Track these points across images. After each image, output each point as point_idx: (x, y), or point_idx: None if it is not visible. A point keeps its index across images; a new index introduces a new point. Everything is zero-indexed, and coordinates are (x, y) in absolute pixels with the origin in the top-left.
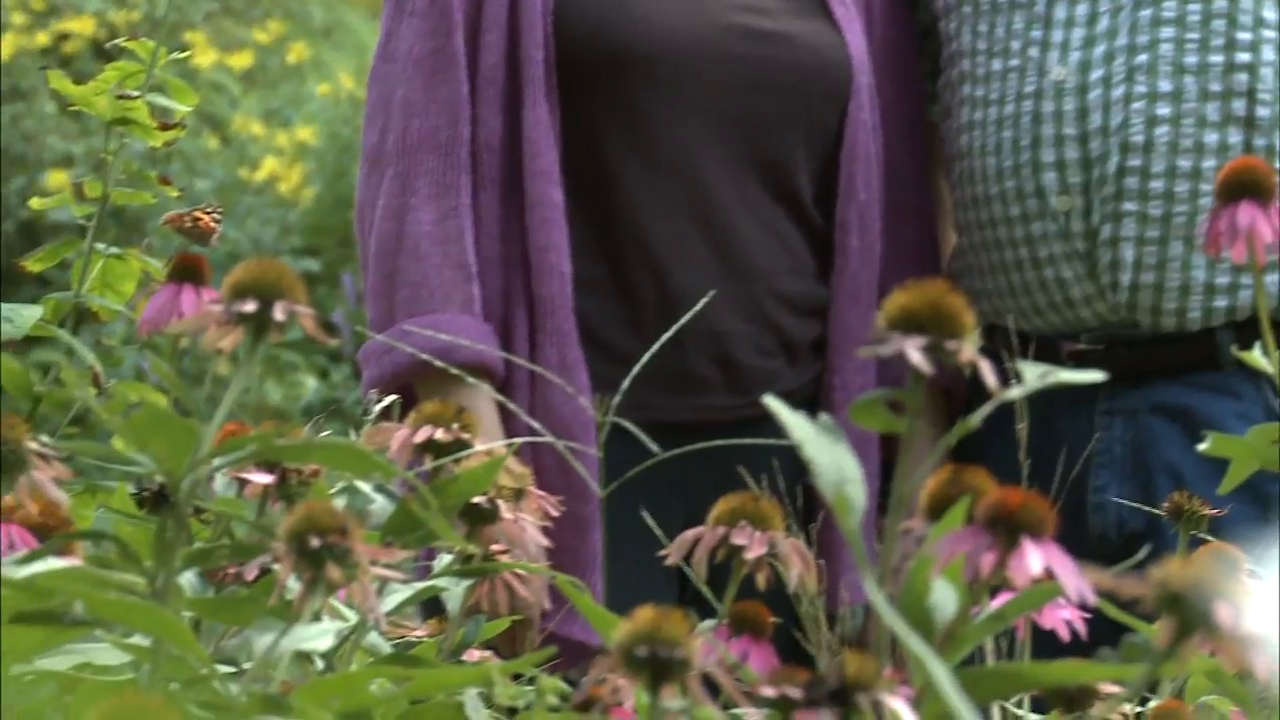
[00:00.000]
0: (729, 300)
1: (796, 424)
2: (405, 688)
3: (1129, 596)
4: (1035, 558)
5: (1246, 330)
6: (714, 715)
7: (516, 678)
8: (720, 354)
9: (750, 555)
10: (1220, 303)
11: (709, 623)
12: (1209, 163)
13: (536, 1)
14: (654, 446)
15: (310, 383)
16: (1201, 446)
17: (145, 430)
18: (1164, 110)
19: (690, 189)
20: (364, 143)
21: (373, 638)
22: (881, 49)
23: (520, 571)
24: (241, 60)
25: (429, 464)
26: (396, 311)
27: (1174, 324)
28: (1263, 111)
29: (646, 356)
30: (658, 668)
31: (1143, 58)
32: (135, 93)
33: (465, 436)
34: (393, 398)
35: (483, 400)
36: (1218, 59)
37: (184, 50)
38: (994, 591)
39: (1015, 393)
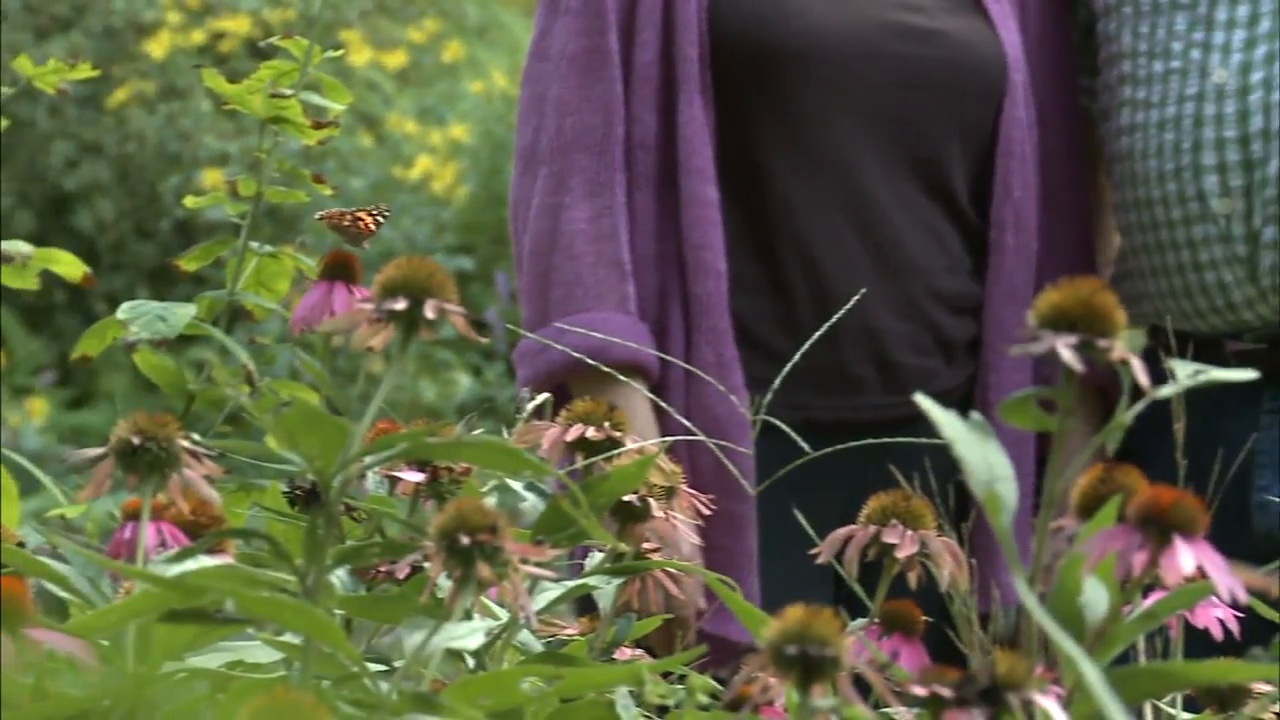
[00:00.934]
0: (885, 298)
1: (948, 422)
2: (556, 686)
3: None
4: (1187, 556)
5: None
6: (864, 714)
7: (667, 676)
8: (876, 353)
9: (901, 554)
10: None
11: (860, 621)
12: None
13: None
14: (804, 445)
15: (464, 380)
16: None
17: (296, 428)
18: None
19: (845, 187)
20: (518, 141)
21: (524, 636)
22: (1037, 46)
23: (673, 570)
24: (396, 59)
25: (580, 462)
26: (551, 310)
27: None
28: None
29: (798, 354)
30: (808, 666)
31: None
32: (289, 91)
33: (616, 434)
34: (545, 396)
35: (637, 399)
36: None
37: (339, 48)
38: (1146, 590)
39: (1167, 391)
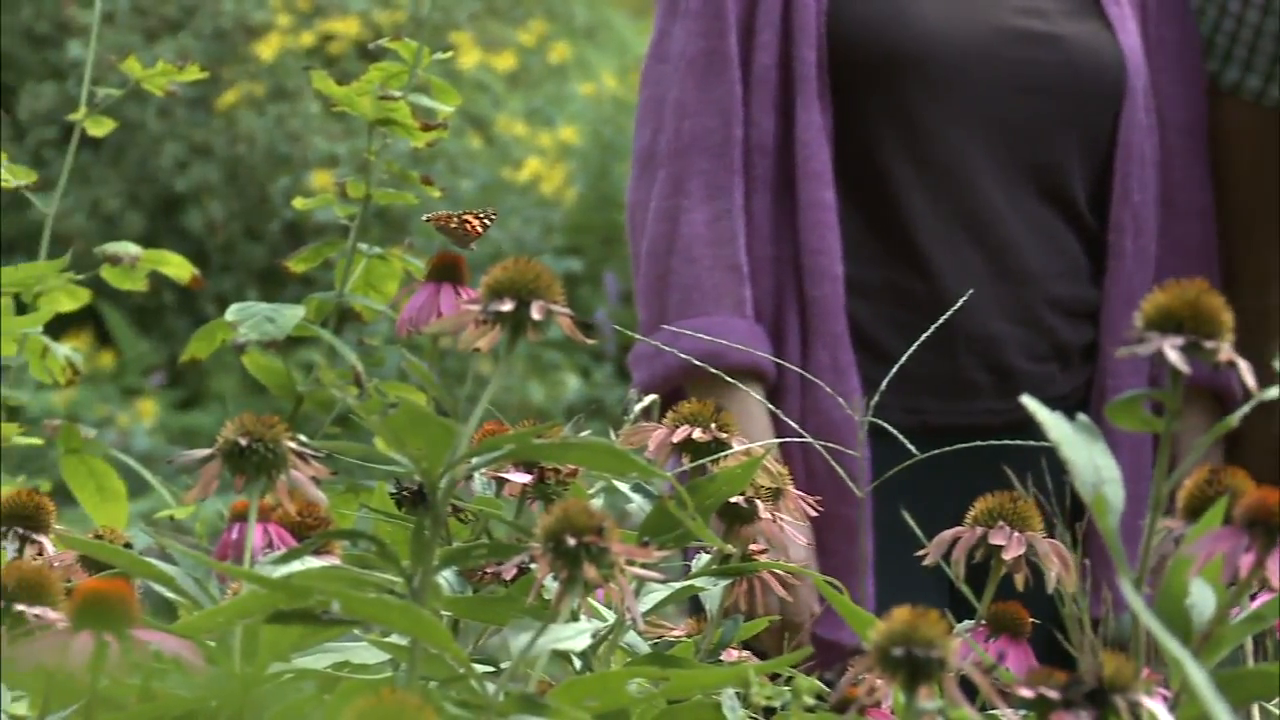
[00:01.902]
0: (1001, 304)
1: (1055, 425)
2: (662, 688)
3: None
4: None
5: None
6: (970, 716)
7: (775, 678)
8: (992, 359)
9: (1007, 555)
10: None
11: (967, 623)
12: None
13: (811, 2)
14: (911, 447)
15: (572, 382)
16: None
17: (403, 430)
18: None
19: (961, 192)
20: (635, 143)
21: (631, 637)
22: (1158, 48)
23: (781, 572)
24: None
25: (686, 463)
26: (668, 313)
27: None
28: None
29: (905, 356)
30: (914, 667)
31: None
32: (398, 93)
33: (723, 436)
34: (652, 397)
35: (752, 403)
36: None
37: (448, 50)
38: (1253, 593)
39: (1274, 392)
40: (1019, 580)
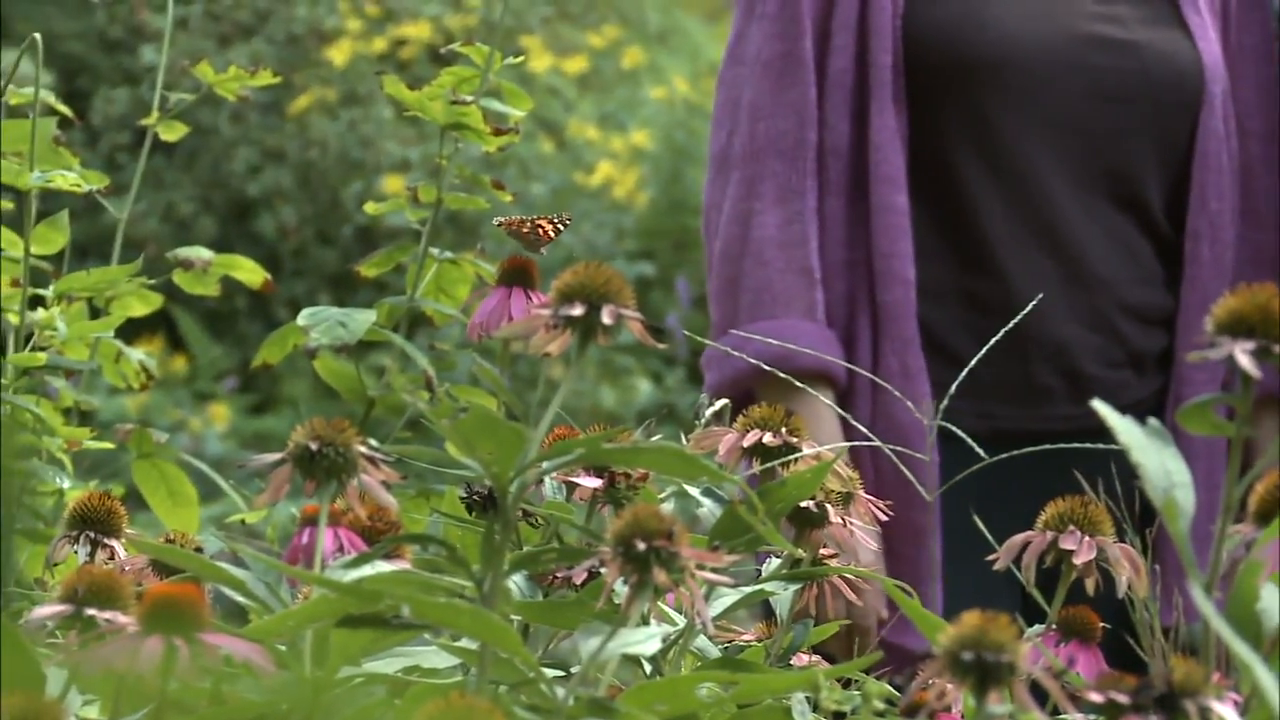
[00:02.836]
0: (1073, 310)
1: (1125, 429)
2: (732, 692)
3: None
4: None
5: None
6: None
7: (844, 683)
8: (1064, 364)
9: (1078, 560)
10: None
11: (1037, 628)
12: None
13: (887, 5)
14: (980, 451)
15: (643, 386)
16: None
17: (473, 434)
18: None
19: (1035, 198)
20: (711, 145)
21: (701, 642)
22: (1238, 55)
23: (851, 577)
24: (576, 65)
25: (757, 468)
26: (739, 316)
27: None
28: None
29: (975, 360)
30: (984, 672)
31: None
32: (470, 98)
33: (793, 440)
34: (724, 401)
35: (822, 407)
36: None
37: (519, 55)
38: None
39: None
40: (1089, 585)
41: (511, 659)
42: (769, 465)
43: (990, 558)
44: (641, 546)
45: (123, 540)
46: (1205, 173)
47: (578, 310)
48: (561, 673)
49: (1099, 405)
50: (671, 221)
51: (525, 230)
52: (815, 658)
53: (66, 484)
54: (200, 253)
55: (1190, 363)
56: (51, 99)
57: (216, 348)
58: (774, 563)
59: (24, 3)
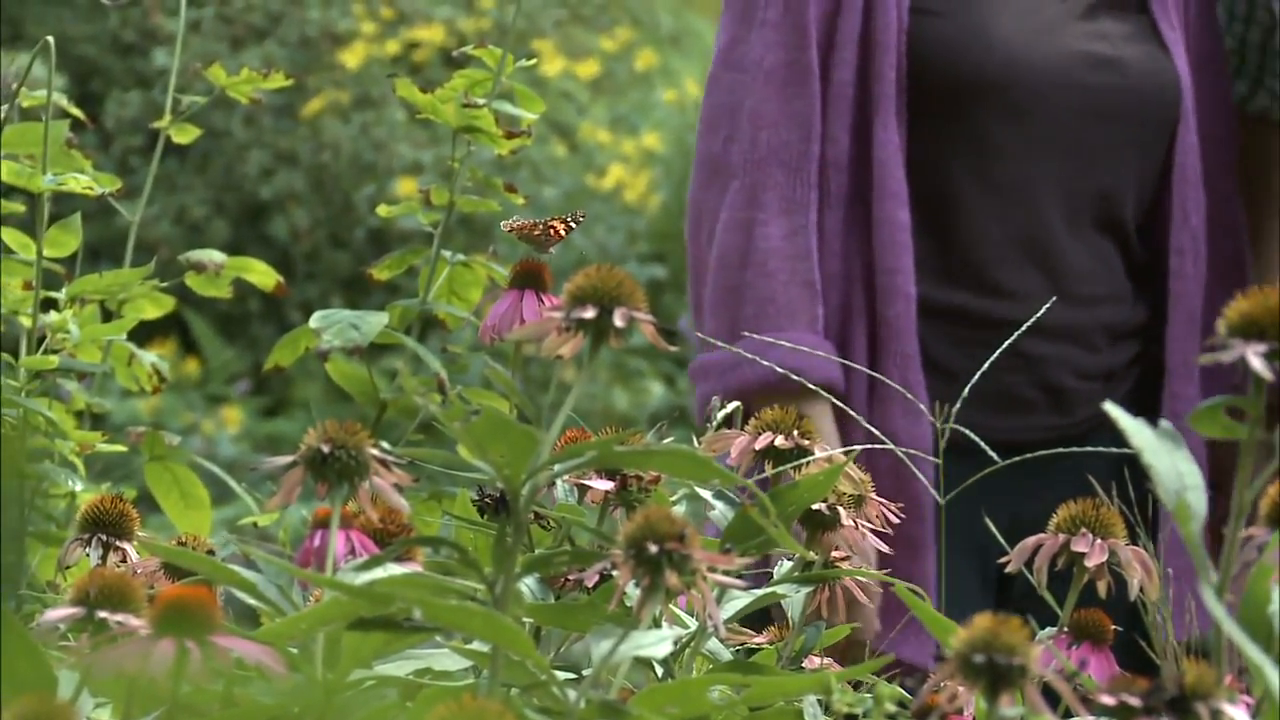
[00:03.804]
0: (1056, 326)
1: (1137, 431)
2: (744, 695)
3: None
4: None
5: None
6: None
7: (857, 686)
8: (1042, 378)
9: (1090, 563)
10: None
11: (1048, 630)
12: None
13: (893, 21)
14: (994, 454)
15: (656, 389)
16: None
17: (485, 437)
18: None
19: (1026, 216)
20: (700, 146)
21: (712, 644)
22: (1203, 64)
23: (860, 579)
24: (589, 68)
25: (769, 470)
26: (740, 326)
27: None
28: None
29: (975, 378)
30: (996, 675)
31: None
32: (482, 101)
33: (805, 443)
34: (734, 405)
35: (823, 420)
36: None
37: (532, 58)
38: None
39: None
40: (1101, 588)
41: (523, 661)
42: (781, 469)
43: (1001, 560)
44: (653, 549)
45: (135, 543)
46: (1185, 186)
47: (590, 313)
48: (573, 675)
49: (1110, 408)
50: (683, 224)
51: (537, 233)
52: (827, 660)
53: (79, 487)
54: (213, 255)
55: (1181, 378)
56: (64, 102)
57: (229, 350)
58: (785, 565)
59: (37, 6)
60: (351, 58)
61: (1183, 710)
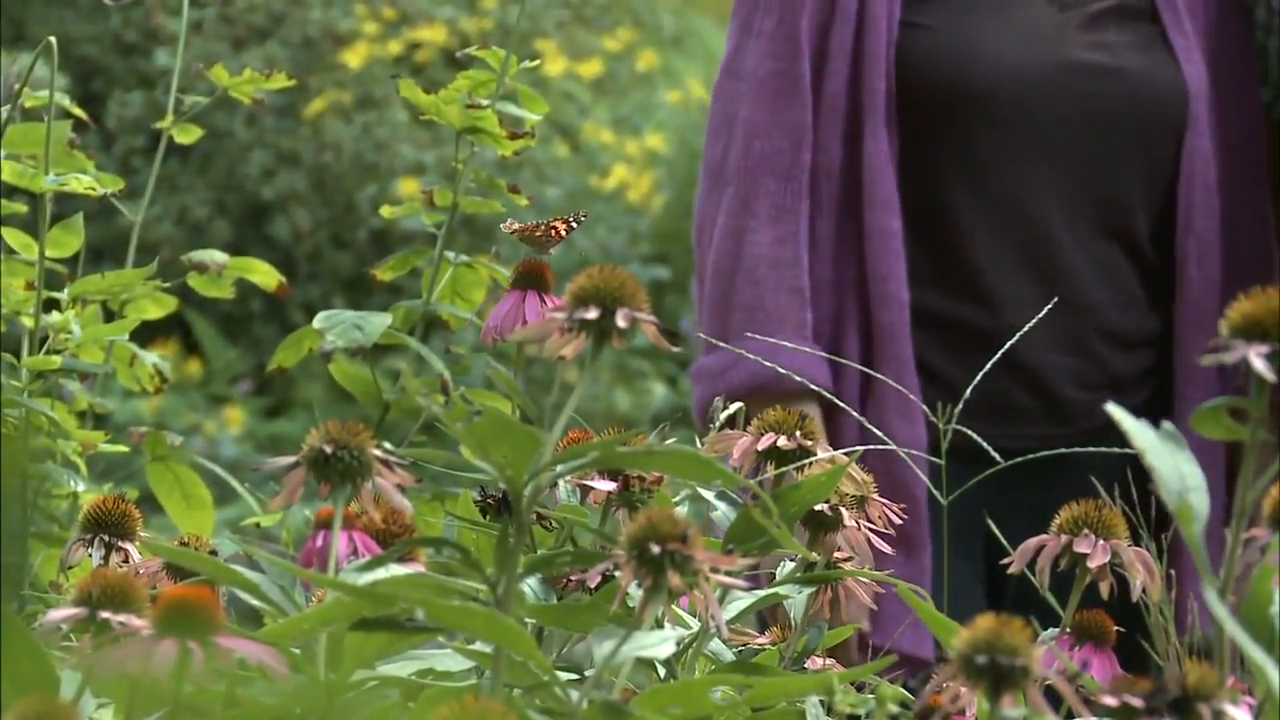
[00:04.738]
0: (1054, 335)
1: (1139, 432)
2: (746, 695)
3: None
4: None
5: None
6: None
7: (859, 687)
8: (1040, 387)
9: (1093, 564)
10: None
11: (1051, 631)
12: None
13: (882, 33)
14: (995, 454)
15: (658, 390)
16: None
17: (487, 437)
18: None
19: (1023, 224)
20: (706, 156)
21: (715, 645)
22: (1212, 63)
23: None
24: (591, 68)
25: (771, 471)
26: (731, 332)
27: None
28: None
29: (971, 386)
30: (998, 675)
31: None
32: (485, 101)
33: (808, 444)
34: (737, 405)
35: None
36: None
37: (535, 58)
38: None
39: None
40: (1104, 589)
41: (525, 662)
42: (783, 469)
43: (1004, 561)
44: (656, 550)
45: (137, 543)
46: (1192, 193)
47: (592, 314)
48: (575, 676)
49: (1113, 409)
50: (686, 225)
51: (538, 233)
52: (829, 661)
53: (81, 487)
54: (215, 256)
55: (1188, 382)
56: (66, 102)
57: (231, 351)
58: (788, 566)
59: (39, 6)
60: (354, 58)
61: (1185, 711)
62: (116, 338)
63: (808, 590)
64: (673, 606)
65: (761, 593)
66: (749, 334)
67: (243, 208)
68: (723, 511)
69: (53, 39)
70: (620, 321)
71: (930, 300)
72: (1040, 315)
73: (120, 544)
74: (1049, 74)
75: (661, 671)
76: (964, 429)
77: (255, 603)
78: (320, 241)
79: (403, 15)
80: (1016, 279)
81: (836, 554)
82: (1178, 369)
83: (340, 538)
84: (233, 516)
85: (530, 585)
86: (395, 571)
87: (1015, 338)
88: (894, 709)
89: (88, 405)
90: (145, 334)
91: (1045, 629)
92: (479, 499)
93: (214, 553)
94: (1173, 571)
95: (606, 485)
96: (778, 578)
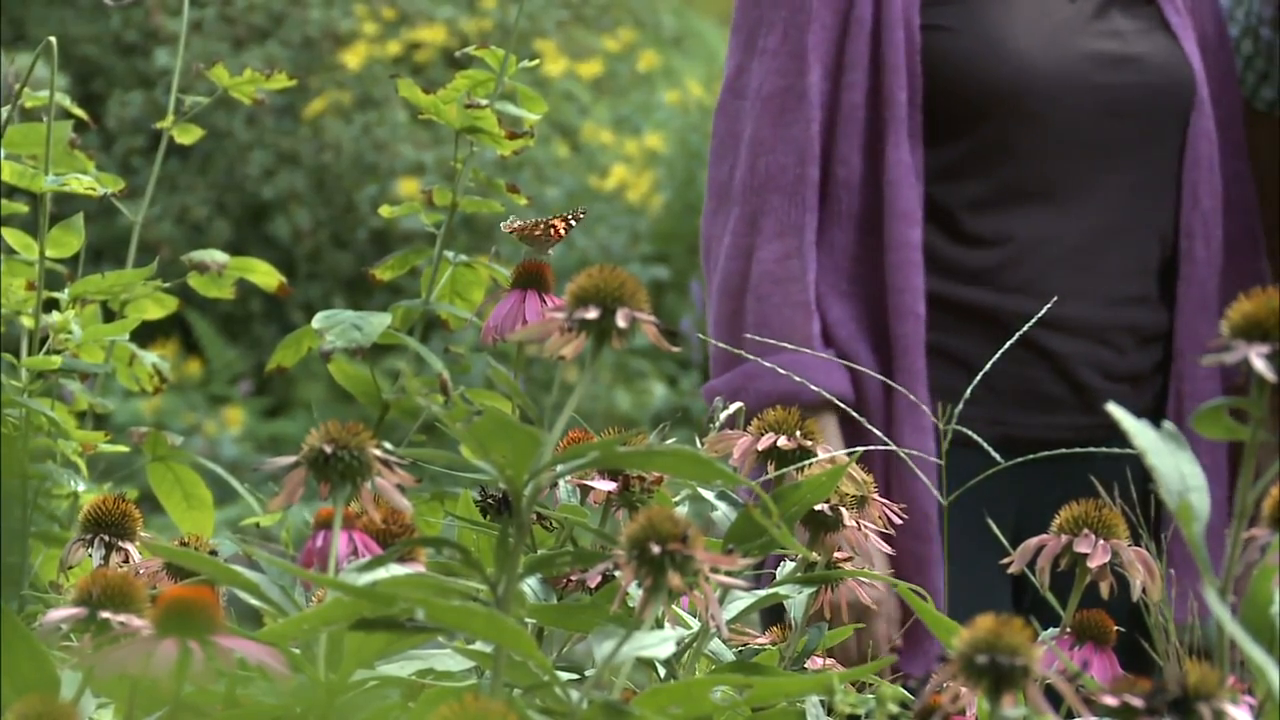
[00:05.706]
0: (1082, 325)
1: (1140, 432)
2: (746, 695)
3: None
4: None
5: None
6: None
7: (860, 687)
8: (1069, 376)
9: (1093, 563)
10: None
11: (1051, 631)
12: None
13: (901, 42)
14: (996, 455)
15: (658, 390)
16: None
17: (487, 437)
18: None
19: (1051, 217)
20: (711, 175)
21: (715, 645)
22: (1216, 50)
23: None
24: (591, 68)
25: (771, 471)
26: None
27: None
28: None
29: (985, 369)
30: (998, 675)
31: None
32: (484, 101)
33: (808, 444)
34: (737, 405)
35: (833, 437)
36: None
37: (534, 58)
38: None
39: None
40: (1104, 589)
41: (526, 662)
42: (784, 470)
43: (1005, 560)
44: (656, 550)
45: (137, 543)
46: (1197, 172)
47: (592, 314)
48: (576, 676)
49: (1114, 409)
50: (686, 225)
51: (538, 233)
52: (830, 661)
53: (81, 487)
54: (215, 256)
55: (1192, 362)
56: (66, 102)
57: (231, 351)
58: (788, 566)
59: (39, 6)
60: (353, 58)
61: (1185, 711)
62: (116, 338)
63: (808, 590)
64: (673, 606)
65: (762, 592)
66: (758, 352)
67: (243, 207)
68: (723, 511)
69: (53, 39)
70: (620, 321)
71: (959, 289)
72: (1046, 306)
73: (120, 544)
74: (1072, 66)
75: (661, 671)
76: (990, 422)
77: (255, 603)
78: (320, 241)
79: (402, 15)
80: (1043, 269)
81: (837, 554)
82: (1179, 345)
83: (340, 538)
84: (233, 516)
85: (530, 585)
86: (395, 571)
87: (1031, 322)
88: (894, 709)
89: (88, 405)
90: (145, 334)
91: None
92: (479, 499)
93: (214, 553)
94: (1172, 571)
95: (606, 485)
96: (778, 577)
